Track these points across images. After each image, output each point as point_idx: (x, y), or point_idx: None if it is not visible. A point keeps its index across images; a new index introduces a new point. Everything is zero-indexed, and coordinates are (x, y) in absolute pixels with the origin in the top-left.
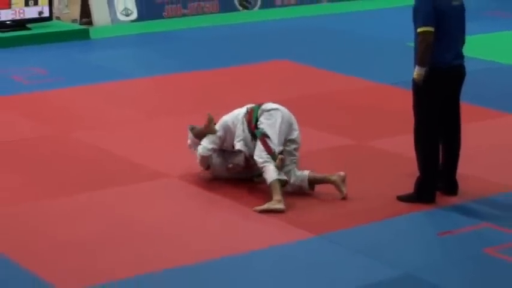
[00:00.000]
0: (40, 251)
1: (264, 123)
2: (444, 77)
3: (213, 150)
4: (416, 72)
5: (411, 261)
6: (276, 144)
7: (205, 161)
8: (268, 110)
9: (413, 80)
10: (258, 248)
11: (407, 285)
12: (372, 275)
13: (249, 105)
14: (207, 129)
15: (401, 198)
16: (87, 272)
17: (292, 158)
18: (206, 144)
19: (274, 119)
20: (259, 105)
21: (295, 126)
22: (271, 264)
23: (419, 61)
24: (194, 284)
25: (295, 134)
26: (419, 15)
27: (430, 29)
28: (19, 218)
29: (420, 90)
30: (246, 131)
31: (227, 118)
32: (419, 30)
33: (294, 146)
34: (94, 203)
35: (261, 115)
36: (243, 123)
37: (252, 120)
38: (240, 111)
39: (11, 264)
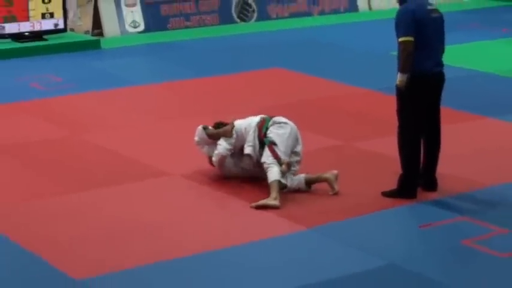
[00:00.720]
0: (55, 243)
1: (273, 133)
2: (425, 83)
3: (230, 150)
4: (399, 79)
5: (395, 252)
6: (282, 152)
7: (223, 160)
8: (279, 123)
9: (397, 86)
10: (253, 240)
11: (391, 274)
12: (360, 264)
13: (262, 115)
14: (226, 133)
15: (385, 194)
16: (97, 261)
17: (292, 168)
18: (226, 145)
19: (284, 130)
20: (271, 117)
21: (300, 141)
22: (266, 255)
23: (401, 68)
24: (191, 275)
25: (299, 148)
26: (401, 26)
27: (410, 38)
28: (35, 212)
29: (403, 95)
30: (256, 138)
31: (241, 123)
32: (400, 39)
33: (296, 158)
34: (103, 199)
35: (271, 126)
36: (255, 130)
37: (262, 128)
38: (254, 119)
39: (28, 255)
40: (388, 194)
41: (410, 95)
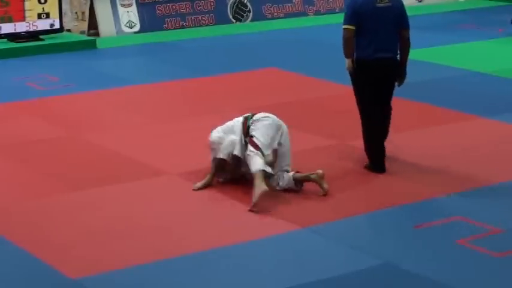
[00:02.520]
0: (51, 242)
1: (253, 130)
2: (365, 68)
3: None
4: (346, 63)
5: (390, 251)
6: (263, 144)
7: (225, 165)
8: (258, 119)
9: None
10: (248, 240)
11: (386, 274)
12: (355, 264)
13: (245, 114)
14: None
15: (366, 167)
16: (94, 261)
17: (283, 163)
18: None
19: (263, 123)
20: (253, 115)
21: (284, 132)
22: (261, 255)
23: (344, 53)
24: (188, 274)
25: (281, 138)
26: (345, 15)
27: (350, 27)
28: (32, 211)
29: (352, 78)
30: (242, 137)
31: (230, 122)
32: (342, 27)
33: (282, 149)
34: (101, 198)
35: (252, 124)
36: (241, 129)
37: (245, 128)
38: (239, 119)
39: (25, 254)
40: (367, 167)
41: (356, 78)
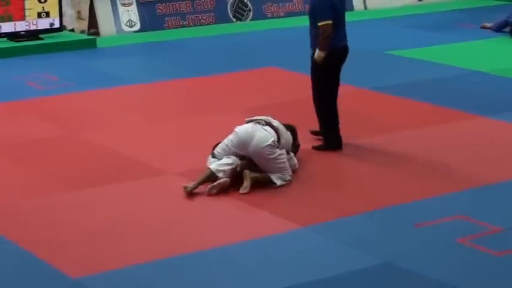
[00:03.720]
0: (52, 242)
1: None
2: (333, 56)
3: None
4: (318, 54)
5: (390, 250)
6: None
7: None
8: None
9: (314, 59)
10: (248, 239)
11: (387, 273)
12: (355, 263)
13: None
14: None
15: (314, 147)
16: (94, 260)
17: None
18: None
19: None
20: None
21: (252, 141)
22: (261, 254)
23: (321, 47)
24: (188, 273)
25: (248, 149)
26: (321, 12)
27: (329, 22)
28: (32, 211)
29: (318, 67)
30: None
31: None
32: (320, 23)
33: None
34: (101, 198)
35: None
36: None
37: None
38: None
39: (25, 254)
40: (317, 148)
41: (324, 67)
